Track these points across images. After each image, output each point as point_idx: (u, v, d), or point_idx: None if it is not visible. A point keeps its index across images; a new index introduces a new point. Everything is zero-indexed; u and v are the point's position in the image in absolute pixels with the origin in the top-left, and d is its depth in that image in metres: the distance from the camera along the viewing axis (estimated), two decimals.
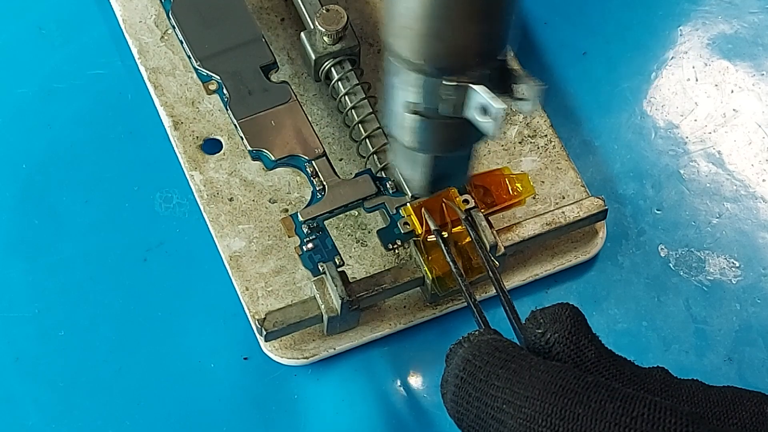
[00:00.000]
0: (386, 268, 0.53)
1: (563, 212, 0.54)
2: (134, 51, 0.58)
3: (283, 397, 0.52)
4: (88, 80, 0.58)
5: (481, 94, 0.42)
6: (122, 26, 0.58)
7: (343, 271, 0.52)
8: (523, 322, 0.43)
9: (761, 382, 0.53)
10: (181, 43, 0.56)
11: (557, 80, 0.59)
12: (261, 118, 0.54)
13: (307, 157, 0.54)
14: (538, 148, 0.57)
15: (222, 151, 0.56)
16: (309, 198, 0.53)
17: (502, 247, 0.52)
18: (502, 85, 0.44)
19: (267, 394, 0.52)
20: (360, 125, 0.54)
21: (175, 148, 0.56)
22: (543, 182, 0.56)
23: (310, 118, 0.55)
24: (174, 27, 0.56)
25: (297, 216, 0.52)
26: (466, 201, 0.52)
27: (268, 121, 0.54)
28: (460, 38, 0.41)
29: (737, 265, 0.56)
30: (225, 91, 0.55)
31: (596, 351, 0.42)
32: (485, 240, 0.51)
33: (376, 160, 0.54)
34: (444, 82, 0.43)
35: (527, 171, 0.56)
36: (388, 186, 0.53)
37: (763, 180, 0.57)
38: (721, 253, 0.56)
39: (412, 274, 0.52)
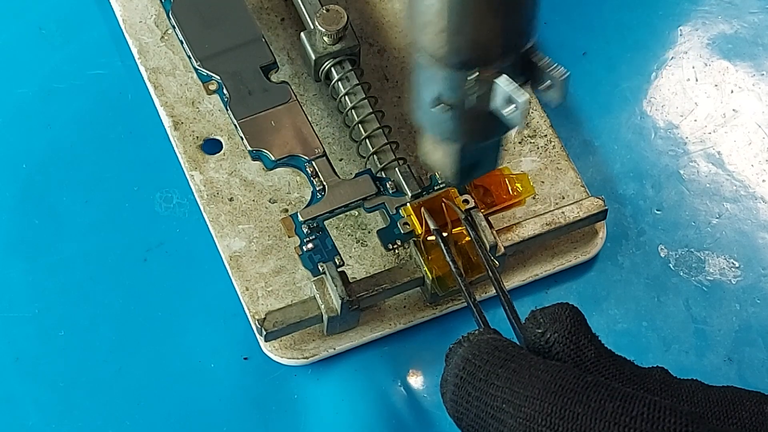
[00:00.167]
0: (386, 268, 0.53)
1: (563, 212, 0.54)
2: (134, 51, 0.58)
3: (283, 397, 0.52)
4: (88, 80, 0.58)
5: (504, 86, 0.42)
6: (122, 26, 0.58)
7: (343, 271, 0.52)
8: (523, 322, 0.43)
9: (761, 382, 0.53)
10: (181, 43, 0.56)
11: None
12: (261, 118, 0.54)
13: (307, 157, 0.54)
14: (538, 148, 0.57)
15: (222, 151, 0.56)
16: (309, 198, 0.53)
17: (502, 247, 0.52)
18: (528, 75, 0.44)
19: (267, 394, 0.52)
20: (360, 125, 0.54)
21: (175, 148, 0.56)
22: (543, 182, 0.56)
23: (310, 118, 0.55)
24: (174, 27, 0.56)
25: (297, 216, 0.52)
26: (466, 201, 0.52)
27: (268, 121, 0.54)
28: (481, 33, 0.42)
29: (737, 265, 0.56)
30: (225, 91, 0.55)
31: (596, 351, 0.42)
32: (485, 240, 0.51)
33: (376, 160, 0.54)
34: (468, 76, 0.43)
35: (527, 171, 0.55)
36: (388, 186, 0.53)
37: (763, 180, 0.57)
38: (721, 253, 0.56)
39: (412, 274, 0.52)
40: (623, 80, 0.60)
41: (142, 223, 0.55)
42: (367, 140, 0.54)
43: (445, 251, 0.51)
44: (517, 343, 0.43)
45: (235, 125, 0.54)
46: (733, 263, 0.56)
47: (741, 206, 0.57)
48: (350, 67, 0.55)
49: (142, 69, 0.57)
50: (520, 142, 0.57)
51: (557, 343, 0.42)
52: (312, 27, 0.55)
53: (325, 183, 0.53)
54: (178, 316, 0.54)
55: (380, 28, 0.59)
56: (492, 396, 0.41)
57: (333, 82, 0.55)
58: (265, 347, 0.53)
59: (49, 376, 0.52)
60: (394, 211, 0.53)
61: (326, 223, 0.53)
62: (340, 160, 0.56)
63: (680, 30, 0.61)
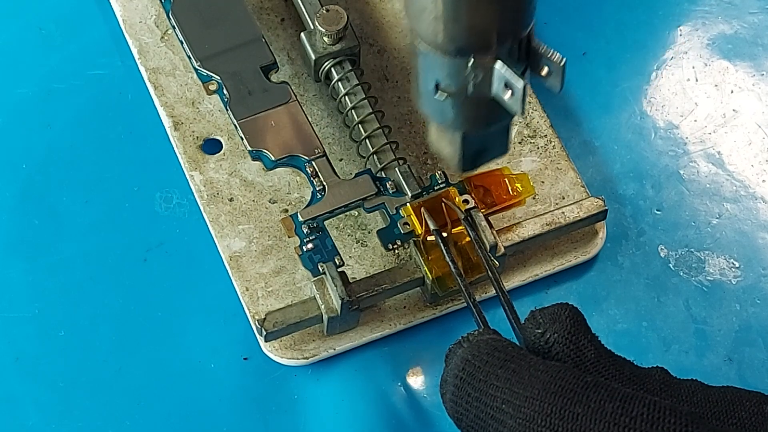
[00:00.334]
0: (386, 268, 0.53)
1: (563, 212, 0.54)
2: (134, 51, 0.58)
3: (283, 397, 0.52)
4: (88, 80, 0.58)
5: (502, 72, 0.42)
6: (122, 26, 0.58)
7: (343, 272, 0.52)
8: (523, 322, 0.43)
9: (761, 382, 0.53)
10: (181, 43, 0.56)
11: None
12: (261, 119, 0.54)
13: (307, 157, 0.54)
14: (538, 148, 0.57)
15: (222, 151, 0.56)
16: (309, 198, 0.53)
17: (502, 248, 0.52)
18: (527, 62, 0.44)
19: (267, 394, 0.52)
20: (360, 125, 0.54)
21: (175, 148, 0.56)
22: (543, 182, 0.56)
23: (310, 118, 0.55)
24: (174, 27, 0.56)
25: (297, 216, 0.52)
26: (466, 201, 0.52)
27: (268, 122, 0.54)
28: (476, 19, 0.42)
29: (737, 265, 0.56)
30: (225, 91, 0.55)
31: (596, 351, 0.42)
32: (485, 240, 0.51)
33: (376, 160, 0.54)
34: (467, 63, 0.43)
35: (527, 171, 0.55)
36: (388, 186, 0.53)
37: (763, 180, 0.57)
38: (721, 253, 0.56)
39: (412, 274, 0.52)
40: (623, 80, 0.60)
41: (142, 223, 0.55)
42: (367, 140, 0.54)
43: (444, 251, 0.51)
44: (517, 343, 0.43)
45: (235, 125, 0.54)
46: (733, 263, 0.56)
47: (741, 206, 0.57)
48: (350, 67, 0.55)
49: (142, 69, 0.57)
50: (520, 142, 0.57)
51: (557, 344, 0.42)
52: (312, 27, 0.55)
53: (325, 183, 0.53)
54: (178, 316, 0.54)
55: (380, 28, 0.59)
56: (492, 396, 0.41)
57: (333, 82, 0.55)
58: (265, 347, 0.53)
59: (49, 376, 0.52)
60: (394, 211, 0.53)
61: (326, 223, 0.53)
62: (340, 160, 0.56)
63: (680, 30, 0.61)
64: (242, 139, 0.54)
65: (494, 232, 0.52)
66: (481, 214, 0.52)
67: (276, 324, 0.51)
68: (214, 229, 0.54)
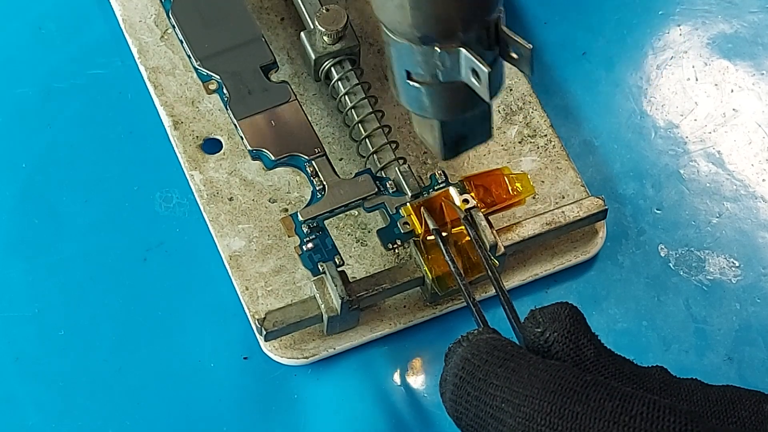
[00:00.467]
0: (386, 267, 0.53)
1: (563, 212, 0.54)
2: (134, 51, 0.58)
3: (283, 397, 0.52)
4: (88, 80, 0.58)
5: (469, 58, 0.43)
6: (122, 26, 0.58)
7: (343, 271, 0.52)
8: (523, 321, 0.43)
9: (761, 381, 0.53)
10: (181, 42, 0.56)
11: (557, 80, 0.59)
12: (261, 118, 0.54)
13: (307, 157, 0.54)
14: (538, 148, 0.57)
15: (222, 151, 0.56)
16: (309, 198, 0.53)
17: (502, 247, 0.52)
18: (496, 47, 0.44)
19: (267, 394, 0.52)
20: (360, 125, 0.54)
21: (175, 148, 0.56)
22: (543, 182, 0.56)
23: (310, 118, 0.55)
24: (174, 27, 0.56)
25: (297, 216, 0.52)
26: (466, 201, 0.52)
27: (268, 121, 0.54)
28: (439, 6, 0.42)
29: (737, 264, 0.56)
30: (225, 90, 0.55)
31: (595, 350, 0.42)
32: (485, 240, 0.51)
33: (376, 160, 0.54)
34: (435, 49, 0.43)
35: (527, 171, 0.55)
36: (388, 186, 0.53)
37: (763, 180, 0.57)
38: (721, 252, 0.56)
39: (412, 274, 0.52)
40: (623, 80, 0.60)
41: (142, 223, 0.55)
42: (366, 140, 0.54)
43: (444, 251, 0.51)
44: (517, 342, 0.43)
45: (234, 125, 0.54)
46: (733, 263, 0.56)
47: (741, 206, 0.57)
48: (350, 67, 0.55)
49: (141, 69, 0.57)
50: (520, 142, 0.57)
51: (556, 343, 0.42)
52: (312, 27, 0.55)
53: (325, 182, 0.53)
54: (178, 316, 0.54)
55: (380, 27, 0.59)
56: (491, 395, 0.41)
57: (333, 81, 0.55)
58: (265, 347, 0.53)
59: (49, 376, 0.52)
60: (394, 211, 0.53)
61: (326, 222, 0.53)
62: (340, 159, 0.56)
63: (680, 29, 0.61)
64: (242, 139, 0.54)
65: (494, 231, 0.52)
66: (481, 214, 0.52)
67: (276, 323, 0.51)
68: (214, 228, 0.54)
